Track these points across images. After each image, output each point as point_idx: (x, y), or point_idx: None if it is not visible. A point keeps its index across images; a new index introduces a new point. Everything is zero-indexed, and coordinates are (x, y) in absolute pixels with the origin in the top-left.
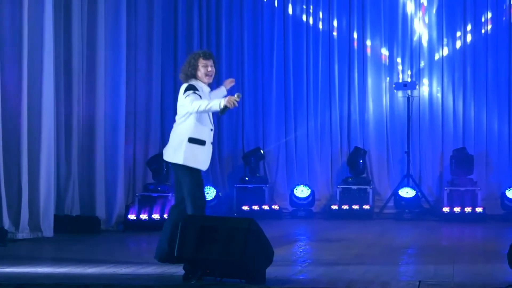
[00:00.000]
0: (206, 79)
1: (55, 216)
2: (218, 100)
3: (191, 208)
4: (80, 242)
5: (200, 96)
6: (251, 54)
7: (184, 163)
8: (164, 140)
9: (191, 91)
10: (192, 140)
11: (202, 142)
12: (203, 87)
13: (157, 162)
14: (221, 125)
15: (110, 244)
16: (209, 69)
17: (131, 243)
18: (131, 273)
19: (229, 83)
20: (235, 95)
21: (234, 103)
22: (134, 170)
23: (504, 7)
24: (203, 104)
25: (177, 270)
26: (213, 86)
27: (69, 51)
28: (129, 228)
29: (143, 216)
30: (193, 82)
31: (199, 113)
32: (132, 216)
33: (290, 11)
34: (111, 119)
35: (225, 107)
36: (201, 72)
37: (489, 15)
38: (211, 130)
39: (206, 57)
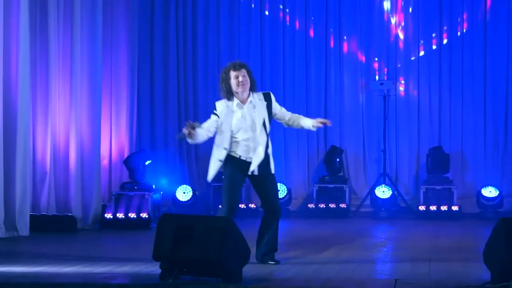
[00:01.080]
0: (239, 90)
1: (31, 215)
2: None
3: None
4: (56, 241)
5: (216, 116)
6: (227, 53)
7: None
8: (141, 138)
9: (213, 113)
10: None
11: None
12: (231, 103)
13: (134, 161)
14: None
15: (86, 243)
16: (240, 79)
17: (107, 242)
18: (107, 272)
19: (318, 123)
20: (195, 123)
21: (185, 132)
22: (111, 169)
23: (480, 8)
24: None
25: (154, 269)
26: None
27: (45, 49)
28: (105, 227)
29: (120, 215)
30: (228, 97)
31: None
32: (108, 215)
33: (266, 11)
34: (87, 117)
35: (182, 135)
36: (233, 84)
37: (465, 15)
38: (224, 149)
39: (236, 68)
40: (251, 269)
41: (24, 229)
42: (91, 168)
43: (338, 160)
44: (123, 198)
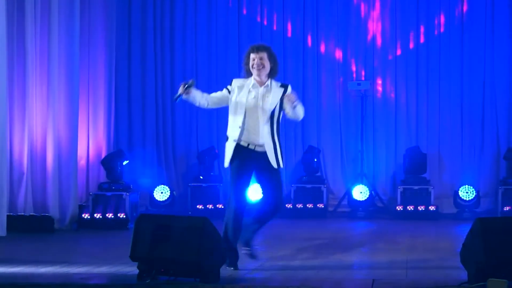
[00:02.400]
0: (254, 72)
1: (8, 215)
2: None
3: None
4: (33, 241)
5: (227, 91)
6: (205, 52)
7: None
8: (119, 138)
9: (226, 87)
10: (226, 138)
11: (227, 138)
12: (249, 82)
13: (111, 161)
14: (175, 124)
15: (63, 243)
16: (256, 61)
17: (84, 243)
18: (84, 273)
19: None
20: (189, 82)
21: (180, 91)
22: (88, 169)
23: (457, 8)
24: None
25: (131, 269)
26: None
27: (22, 48)
28: (83, 228)
29: (97, 215)
30: (248, 76)
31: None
32: (86, 215)
33: (244, 10)
34: (64, 117)
35: (177, 95)
36: (250, 65)
37: (442, 16)
38: (239, 127)
39: (253, 51)
40: (229, 269)
41: (1, 229)
42: (68, 168)
43: (315, 160)
44: (100, 198)
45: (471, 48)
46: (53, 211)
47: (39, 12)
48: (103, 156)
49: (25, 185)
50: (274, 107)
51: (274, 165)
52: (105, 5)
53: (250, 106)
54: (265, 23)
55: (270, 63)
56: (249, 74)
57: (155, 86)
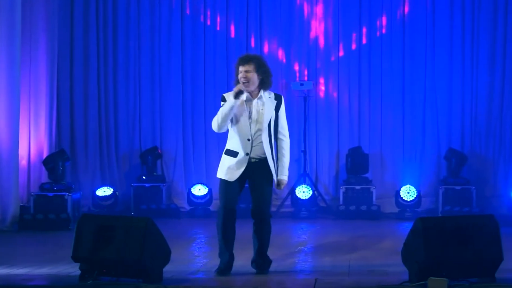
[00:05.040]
0: (243, 86)
1: None
2: (228, 101)
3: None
4: None
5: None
6: (148, 51)
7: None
8: (61, 138)
9: (221, 105)
10: (227, 152)
11: (234, 154)
12: (242, 96)
13: (53, 161)
14: (118, 123)
15: (4, 244)
16: (242, 74)
17: (26, 244)
18: (25, 274)
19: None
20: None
21: (241, 86)
22: (29, 169)
23: (398, 9)
24: (216, 118)
25: (73, 270)
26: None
27: None
28: (24, 228)
29: (39, 216)
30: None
31: (224, 124)
32: (27, 216)
33: (187, 10)
34: (5, 118)
35: (237, 93)
36: (239, 78)
37: (384, 17)
38: (248, 140)
39: (241, 63)
40: (172, 270)
41: None
42: (9, 169)
43: None
44: (42, 198)
45: (412, 49)
46: None
47: None
48: (44, 156)
49: None
50: (269, 119)
51: (274, 175)
52: (46, 5)
53: (245, 119)
54: (208, 23)
55: (259, 75)
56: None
57: (97, 86)
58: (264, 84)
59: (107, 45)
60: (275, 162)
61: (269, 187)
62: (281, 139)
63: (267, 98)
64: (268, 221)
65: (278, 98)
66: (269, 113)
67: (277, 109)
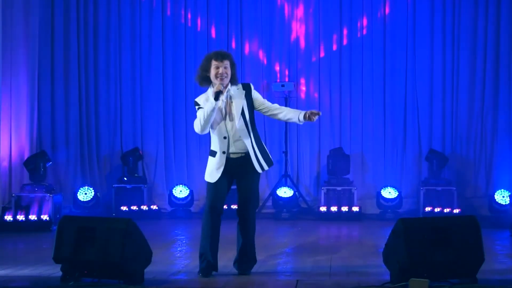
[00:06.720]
0: (217, 81)
1: None
2: (209, 103)
3: None
4: None
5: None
6: (128, 53)
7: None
8: (42, 139)
9: (196, 109)
10: (209, 152)
11: (213, 153)
12: (209, 96)
13: (34, 162)
14: (99, 125)
15: None
16: (220, 70)
17: (7, 245)
18: (6, 275)
19: (312, 115)
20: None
21: (220, 85)
22: (11, 170)
23: (379, 10)
24: (198, 119)
25: (55, 271)
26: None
27: None
28: (5, 230)
29: (20, 217)
30: (208, 87)
31: (206, 125)
32: (8, 217)
33: (168, 11)
34: None
35: (217, 93)
36: (212, 74)
37: (365, 18)
38: (224, 138)
39: (217, 58)
40: (153, 271)
41: None
42: None
43: None
44: (23, 199)
45: (393, 50)
46: None
47: None
48: (26, 157)
49: None
50: (241, 109)
51: (258, 169)
52: (26, 6)
53: (219, 117)
54: (189, 24)
55: (232, 70)
56: (204, 82)
57: (78, 87)
58: (233, 79)
59: (88, 46)
60: (261, 154)
61: (254, 184)
62: (270, 108)
63: (235, 90)
64: (253, 219)
65: (246, 87)
66: (240, 105)
67: (248, 95)
